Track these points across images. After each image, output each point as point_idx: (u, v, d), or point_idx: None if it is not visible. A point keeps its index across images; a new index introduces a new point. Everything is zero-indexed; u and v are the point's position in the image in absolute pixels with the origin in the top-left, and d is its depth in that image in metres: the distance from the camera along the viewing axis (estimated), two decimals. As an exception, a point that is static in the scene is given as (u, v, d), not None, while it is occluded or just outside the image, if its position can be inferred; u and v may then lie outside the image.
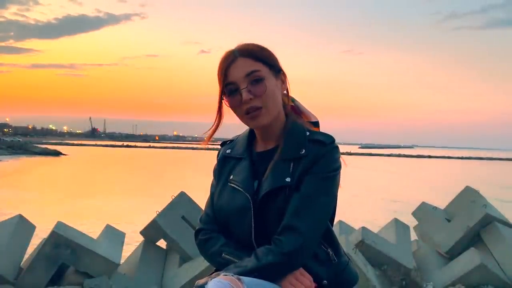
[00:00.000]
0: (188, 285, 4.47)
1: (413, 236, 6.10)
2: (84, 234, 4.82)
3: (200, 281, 1.32)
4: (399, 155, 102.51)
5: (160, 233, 5.13)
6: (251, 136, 1.64)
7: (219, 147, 1.72)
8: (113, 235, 5.24)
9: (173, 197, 5.37)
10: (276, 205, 1.47)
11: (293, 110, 1.63)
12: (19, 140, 78.18)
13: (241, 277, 1.31)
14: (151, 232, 5.19)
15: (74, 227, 4.83)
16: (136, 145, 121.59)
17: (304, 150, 1.48)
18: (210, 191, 1.67)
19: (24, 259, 4.74)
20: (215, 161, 1.69)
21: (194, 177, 24.45)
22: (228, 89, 1.52)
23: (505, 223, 5.58)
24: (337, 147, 1.51)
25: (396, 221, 5.89)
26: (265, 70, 1.51)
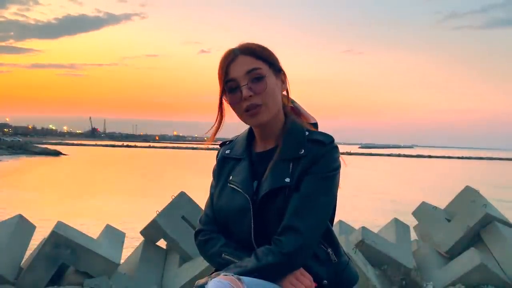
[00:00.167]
0: (188, 285, 4.47)
1: (413, 236, 6.10)
2: (84, 234, 4.82)
3: (200, 281, 1.32)
4: (399, 155, 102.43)
5: (160, 233, 5.13)
6: (250, 136, 1.63)
7: (218, 147, 1.72)
8: (113, 235, 5.24)
9: (173, 197, 5.38)
10: (276, 206, 1.46)
11: (293, 111, 1.62)
12: (19, 140, 78.23)
13: (241, 277, 1.31)
14: (151, 232, 5.19)
15: (74, 227, 4.83)
16: (136, 145, 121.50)
17: (303, 150, 1.48)
18: (210, 192, 1.66)
19: (24, 259, 4.74)
20: (215, 161, 1.69)
21: (194, 177, 24.43)
22: (229, 86, 1.51)
23: (505, 223, 5.58)
24: (336, 147, 1.51)
25: (396, 221, 5.89)
26: (266, 69, 1.51)
